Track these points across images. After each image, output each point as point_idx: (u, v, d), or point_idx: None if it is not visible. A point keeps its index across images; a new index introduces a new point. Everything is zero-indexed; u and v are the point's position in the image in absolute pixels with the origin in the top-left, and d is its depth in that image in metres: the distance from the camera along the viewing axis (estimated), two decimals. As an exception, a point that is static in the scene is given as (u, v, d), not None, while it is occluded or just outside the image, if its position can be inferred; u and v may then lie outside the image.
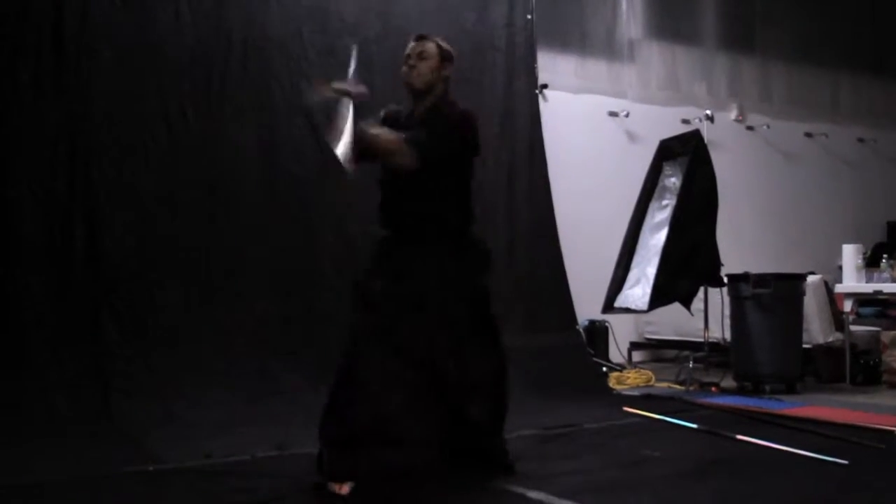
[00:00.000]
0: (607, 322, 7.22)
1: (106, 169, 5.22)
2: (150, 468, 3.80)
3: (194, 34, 5.57)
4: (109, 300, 5.10)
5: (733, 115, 9.07)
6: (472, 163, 3.73)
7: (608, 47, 8.25)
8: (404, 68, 3.63)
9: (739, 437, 4.32)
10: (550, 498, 3.26)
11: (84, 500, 3.37)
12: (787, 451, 4.00)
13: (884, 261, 6.79)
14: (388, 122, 3.66)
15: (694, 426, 4.66)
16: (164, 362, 5.05)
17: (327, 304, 5.59)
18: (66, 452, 4.08)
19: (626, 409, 5.26)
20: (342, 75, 5.81)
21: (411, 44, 3.65)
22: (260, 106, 5.73)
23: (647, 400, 5.69)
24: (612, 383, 6.39)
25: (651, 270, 6.22)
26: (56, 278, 5.05)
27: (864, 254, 6.95)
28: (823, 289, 6.84)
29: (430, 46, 3.62)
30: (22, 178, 5.05)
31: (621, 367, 6.97)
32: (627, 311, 6.44)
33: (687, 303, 6.19)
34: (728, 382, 6.24)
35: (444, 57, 3.65)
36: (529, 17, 6.99)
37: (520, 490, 3.38)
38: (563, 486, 3.40)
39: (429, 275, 3.50)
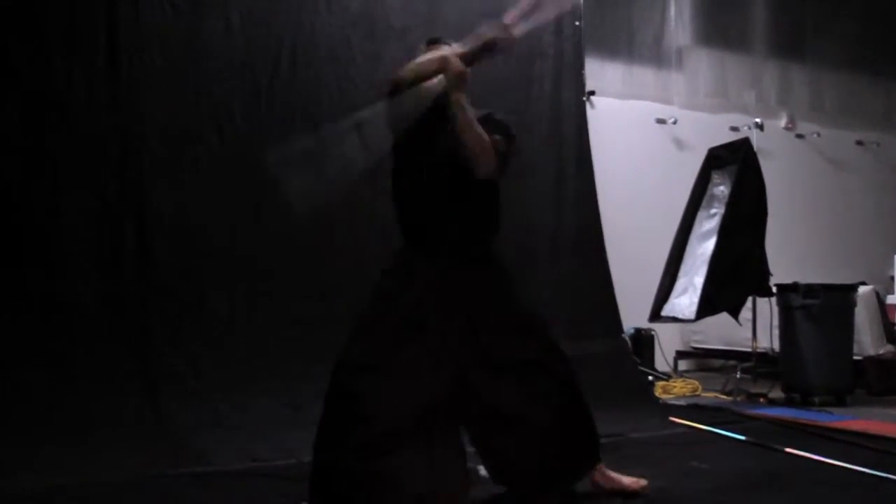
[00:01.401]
0: (653, 330, 7.17)
1: (156, 175, 5.29)
2: (198, 470, 3.84)
3: (244, 41, 5.62)
4: (158, 304, 5.17)
5: (783, 123, 8.97)
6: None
7: (656, 54, 8.20)
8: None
9: (789, 450, 4.25)
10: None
11: (132, 502, 3.41)
12: (838, 466, 3.92)
13: (937, 272, 6.67)
14: None
15: (742, 438, 4.60)
16: (211, 366, 5.10)
17: (373, 309, 5.60)
18: (114, 454, 4.12)
19: (672, 419, 5.21)
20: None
21: (422, 49, 3.36)
22: (308, 112, 5.76)
23: (694, 410, 5.63)
24: (658, 392, 6.34)
25: (699, 279, 6.16)
26: (106, 283, 5.12)
27: (917, 264, 6.84)
28: (875, 299, 6.74)
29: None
30: (73, 184, 5.13)
31: (667, 377, 6.90)
32: (675, 320, 6.39)
33: (735, 312, 6.12)
34: (776, 393, 6.15)
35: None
36: (578, 23, 6.96)
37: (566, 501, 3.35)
38: (609, 498, 3.37)
39: (480, 297, 3.20)
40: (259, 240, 5.49)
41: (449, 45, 3.27)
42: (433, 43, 3.34)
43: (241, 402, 4.92)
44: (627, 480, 3.42)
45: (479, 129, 3.08)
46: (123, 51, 5.28)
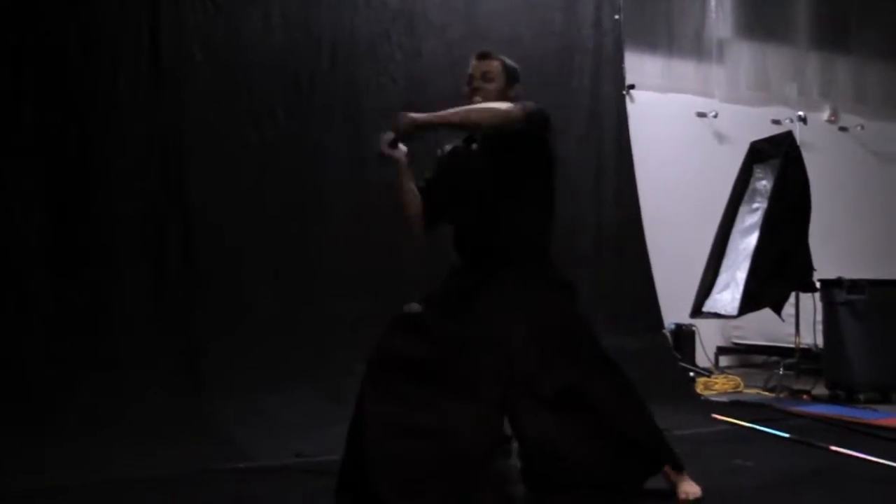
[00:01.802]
0: (694, 326, 7.12)
1: (199, 171, 5.34)
2: (242, 465, 3.87)
3: (284, 38, 5.66)
4: (202, 299, 5.23)
5: (826, 115, 8.85)
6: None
7: (696, 47, 8.13)
8: (466, 90, 3.30)
9: (834, 448, 4.20)
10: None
11: (177, 497, 3.43)
12: (883, 464, 3.87)
13: None
14: (445, 164, 3.51)
15: (786, 435, 4.55)
16: (254, 361, 5.15)
17: (415, 303, 5.62)
18: (158, 449, 4.17)
19: (714, 416, 5.18)
20: (429, 77, 5.95)
21: (473, 62, 3.31)
22: (348, 108, 5.79)
23: (736, 407, 5.58)
24: (699, 389, 6.30)
25: (741, 275, 6.12)
26: (150, 278, 5.19)
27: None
28: (921, 294, 6.63)
29: (496, 65, 3.28)
30: (118, 180, 5.19)
31: (709, 373, 6.85)
32: (716, 315, 6.35)
33: (778, 308, 6.07)
34: (820, 390, 6.08)
35: (511, 77, 3.32)
36: (617, 17, 6.92)
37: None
38: (653, 496, 3.35)
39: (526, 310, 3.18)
40: (302, 235, 5.53)
41: (500, 59, 3.35)
42: (484, 57, 3.34)
43: (284, 398, 4.96)
44: (685, 487, 3.32)
45: (470, 106, 3.16)
46: (165, 50, 5.34)
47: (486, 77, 3.27)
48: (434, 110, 5.83)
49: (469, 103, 3.22)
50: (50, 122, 5.07)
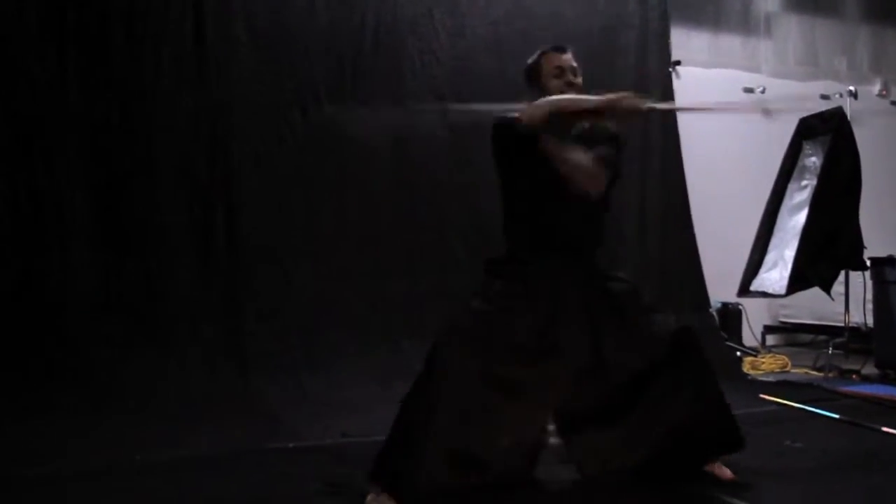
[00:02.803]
0: (741, 304, 7.05)
1: (244, 153, 5.36)
2: (291, 445, 3.91)
3: (328, 18, 5.64)
4: (247, 281, 5.26)
5: (877, 89, 8.67)
6: None
7: (743, 21, 8.00)
8: (557, 83, 3.18)
9: (886, 429, 4.14)
10: (691, 487, 3.21)
11: (230, 475, 3.47)
12: (939, 446, 3.83)
13: None
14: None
15: (836, 416, 4.49)
16: (299, 342, 5.19)
17: (458, 285, 5.58)
18: (206, 428, 4.21)
19: (762, 396, 5.12)
20: (472, 56, 5.92)
21: (563, 55, 3.24)
22: (391, 88, 5.77)
23: (784, 387, 5.53)
24: (746, 368, 6.24)
25: (789, 253, 6.04)
26: (196, 260, 5.22)
27: None
28: (975, 272, 6.50)
29: (577, 62, 3.27)
30: (164, 163, 5.22)
31: (755, 352, 6.79)
32: (764, 294, 6.27)
33: (827, 287, 5.98)
34: (869, 370, 5.99)
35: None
36: (662, -8, 6.82)
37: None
38: (703, 478, 3.32)
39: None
40: (345, 216, 5.54)
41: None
42: (559, 50, 3.27)
43: (330, 378, 5.00)
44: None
45: (576, 157, 3.05)
46: (209, 30, 5.34)
47: (575, 73, 3.22)
48: (476, 90, 5.86)
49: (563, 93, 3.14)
50: (94, 103, 5.09)
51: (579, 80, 3.22)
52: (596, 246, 3.33)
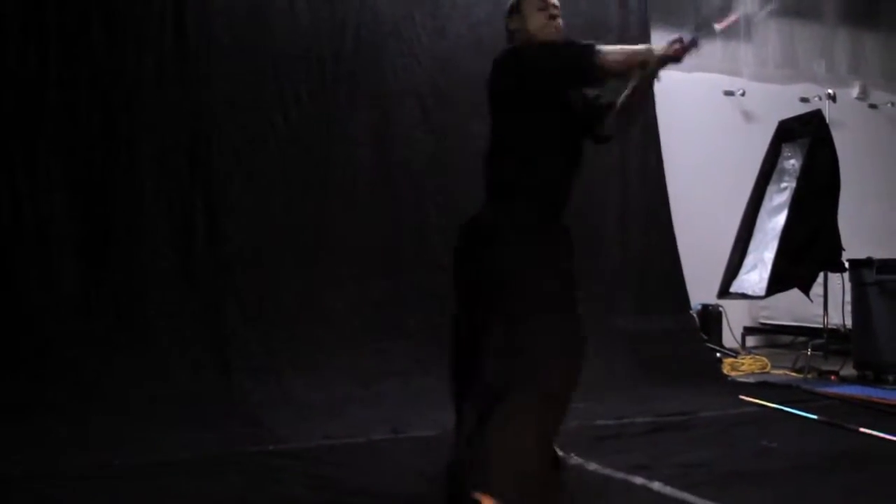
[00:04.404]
0: (721, 306, 7.09)
1: (225, 154, 5.34)
2: (271, 448, 3.90)
3: (309, 18, 5.63)
4: (230, 282, 5.24)
5: (855, 92, 8.74)
6: None
7: (724, 24, 8.03)
8: (541, 15, 3.13)
9: (862, 429, 4.19)
10: (668, 489, 3.21)
11: (211, 478, 3.46)
12: (914, 446, 3.86)
13: None
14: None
15: (814, 417, 4.54)
16: (282, 343, 5.17)
17: (439, 285, 5.60)
18: (188, 431, 4.19)
19: (742, 397, 5.16)
20: (453, 57, 5.93)
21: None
22: (373, 89, 5.77)
23: (764, 388, 5.57)
24: (726, 370, 6.27)
25: (769, 255, 6.07)
26: (179, 260, 5.20)
27: None
28: (952, 274, 6.56)
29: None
30: (145, 164, 5.20)
31: (735, 353, 6.83)
32: (744, 296, 6.31)
33: (806, 289, 6.02)
34: (848, 371, 6.04)
35: None
36: (645, -10, 6.85)
37: (638, 481, 3.34)
38: (681, 478, 3.34)
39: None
40: (328, 217, 5.53)
41: None
42: None
43: (313, 380, 4.97)
44: None
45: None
46: (190, 31, 5.33)
47: (557, 7, 3.17)
48: (459, 91, 5.87)
49: (550, 32, 3.12)
50: (74, 103, 5.08)
51: (561, 21, 3.17)
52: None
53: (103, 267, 5.06)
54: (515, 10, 3.20)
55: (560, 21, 3.16)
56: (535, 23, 3.12)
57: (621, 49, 2.99)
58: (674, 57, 2.98)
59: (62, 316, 4.92)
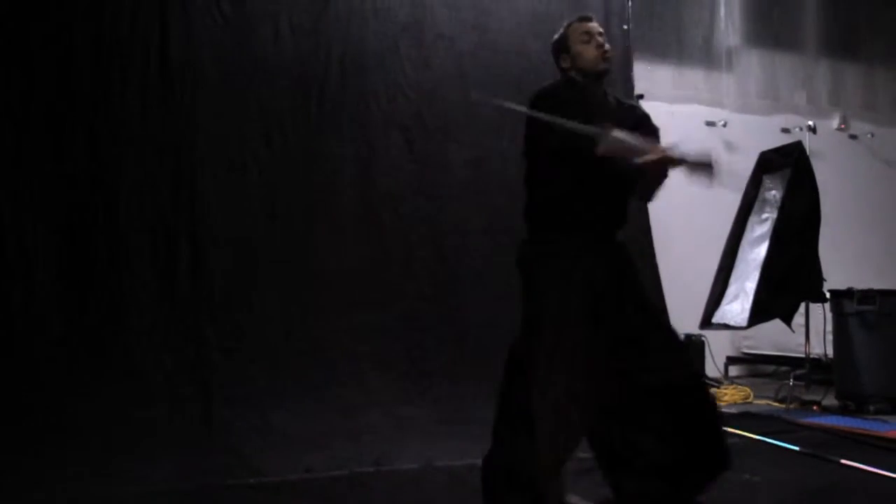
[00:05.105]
0: (703, 336, 7.09)
1: (209, 184, 5.37)
2: (251, 481, 3.87)
3: (294, 51, 5.69)
4: (211, 312, 5.24)
5: (836, 123, 8.82)
6: None
7: (706, 56, 8.13)
8: (587, 47, 3.16)
9: (844, 461, 4.19)
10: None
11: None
12: (895, 479, 3.86)
13: None
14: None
15: (796, 448, 4.54)
16: (263, 374, 5.17)
17: (423, 316, 5.65)
18: (168, 463, 4.16)
19: (724, 428, 5.15)
20: (438, 89, 5.97)
21: (589, 23, 3.22)
22: (357, 120, 5.81)
23: (746, 418, 5.56)
24: (709, 400, 6.26)
25: (750, 285, 6.11)
26: (160, 290, 5.21)
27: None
28: (932, 304, 6.60)
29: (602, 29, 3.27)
30: (129, 193, 5.21)
31: (718, 383, 6.83)
32: (726, 327, 6.33)
33: (788, 319, 6.05)
34: (830, 401, 6.05)
35: None
36: (626, 27, 6.93)
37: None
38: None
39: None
40: (311, 248, 5.54)
41: None
42: (584, 19, 3.24)
43: (294, 411, 4.96)
44: None
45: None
46: (175, 61, 5.38)
47: (603, 37, 3.21)
48: (442, 122, 5.91)
49: (599, 61, 3.15)
50: (58, 132, 5.10)
51: (608, 45, 3.20)
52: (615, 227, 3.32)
53: (85, 296, 5.05)
54: (563, 49, 3.23)
55: (607, 45, 3.19)
56: (587, 58, 3.16)
57: (627, 144, 2.95)
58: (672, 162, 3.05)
59: (43, 344, 4.91)
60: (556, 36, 3.26)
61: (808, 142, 7.41)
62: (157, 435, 4.60)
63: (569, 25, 3.25)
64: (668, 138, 7.47)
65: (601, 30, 3.21)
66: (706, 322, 6.41)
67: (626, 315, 3.11)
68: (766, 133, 7.84)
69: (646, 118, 3.34)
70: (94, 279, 5.10)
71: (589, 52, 3.15)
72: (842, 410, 5.86)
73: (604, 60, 3.16)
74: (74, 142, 5.15)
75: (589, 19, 3.26)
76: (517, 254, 3.22)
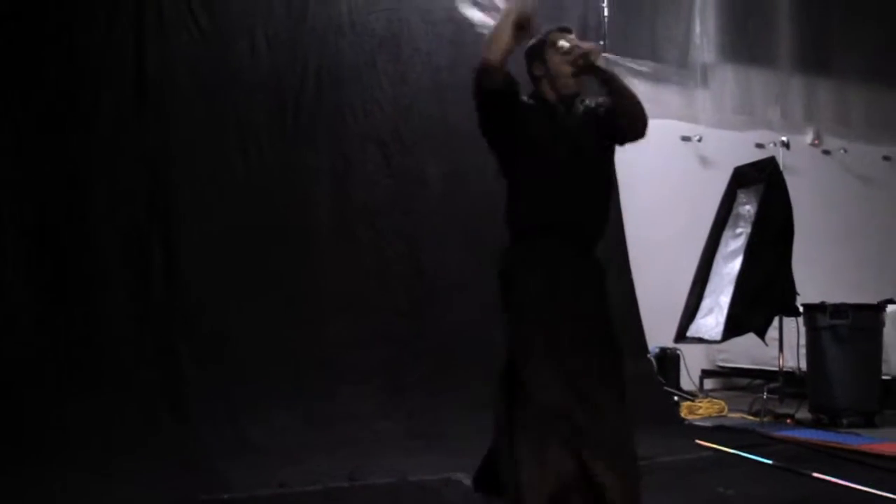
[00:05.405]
0: (678, 349, 7.13)
1: (183, 196, 5.34)
2: (225, 496, 3.85)
3: (270, 64, 5.68)
4: (186, 325, 5.20)
5: (809, 138, 8.92)
6: None
7: (681, 71, 8.20)
8: (565, 66, 3.12)
9: (816, 475, 4.22)
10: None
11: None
12: (866, 492, 3.88)
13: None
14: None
15: (769, 462, 4.57)
16: (237, 388, 5.12)
17: (398, 329, 5.64)
18: (141, 478, 4.13)
19: (699, 442, 5.18)
20: (415, 103, 5.98)
21: (568, 35, 3.19)
22: (334, 134, 5.80)
23: (720, 432, 5.60)
24: (683, 413, 6.30)
25: (725, 300, 6.14)
26: (133, 303, 5.17)
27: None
28: (903, 318, 6.67)
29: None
30: (103, 205, 5.18)
31: (693, 396, 6.87)
32: (700, 340, 6.36)
33: (761, 333, 6.08)
34: (803, 414, 6.09)
35: None
36: (602, 42, 6.96)
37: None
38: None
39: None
40: (285, 262, 5.52)
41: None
42: (564, 30, 3.22)
43: (268, 425, 4.94)
44: None
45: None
46: (150, 74, 5.35)
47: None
48: (420, 137, 5.94)
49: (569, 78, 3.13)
50: (33, 144, 5.05)
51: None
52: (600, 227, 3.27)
53: (57, 309, 5.00)
54: (538, 58, 3.20)
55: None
56: (560, 70, 3.13)
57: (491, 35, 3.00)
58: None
59: (14, 360, 4.84)
60: (531, 41, 3.20)
61: (782, 157, 7.50)
62: (128, 450, 4.54)
63: (547, 34, 3.20)
64: (643, 153, 7.52)
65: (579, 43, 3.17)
66: (681, 336, 6.44)
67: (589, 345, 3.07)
68: (740, 148, 7.93)
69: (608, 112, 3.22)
70: (67, 289, 5.05)
71: (565, 65, 3.12)
72: (815, 424, 5.91)
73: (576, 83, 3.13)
74: (47, 155, 5.10)
75: (568, 31, 3.22)
76: (497, 263, 3.20)
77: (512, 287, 3.11)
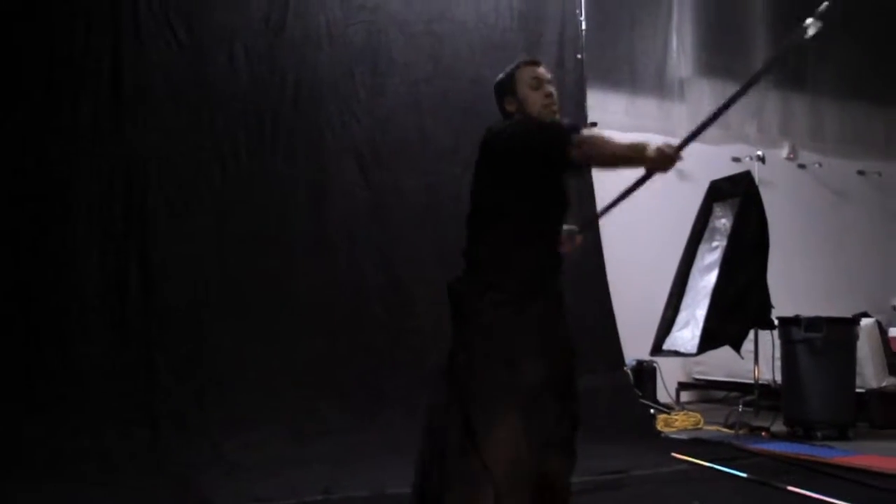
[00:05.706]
0: (655, 362, 7.15)
1: (160, 208, 5.33)
2: (201, 511, 3.85)
3: (248, 75, 5.68)
4: (161, 338, 5.18)
5: (785, 153, 8.99)
6: None
7: (658, 85, 8.26)
8: (535, 94, 3.02)
9: (790, 488, 4.24)
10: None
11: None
12: (839, 506, 3.92)
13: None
14: None
15: (743, 475, 4.59)
16: (213, 402, 5.11)
17: (376, 344, 5.63)
18: (117, 491, 4.12)
19: (674, 454, 5.20)
20: (392, 116, 5.98)
21: (538, 68, 3.07)
22: (311, 146, 5.80)
23: (696, 445, 5.62)
24: (659, 425, 6.32)
25: (700, 313, 6.17)
26: (110, 315, 5.15)
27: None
28: (877, 332, 6.73)
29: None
30: (79, 216, 5.16)
31: (669, 409, 6.89)
32: (676, 353, 6.38)
33: (737, 346, 6.12)
34: (778, 427, 6.13)
35: None
36: (579, 56, 6.99)
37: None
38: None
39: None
40: (263, 274, 5.51)
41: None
42: (534, 63, 3.10)
43: (244, 439, 4.92)
44: None
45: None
46: (128, 85, 5.35)
47: (552, 84, 3.07)
48: (396, 149, 5.94)
49: (548, 111, 3.03)
50: (8, 152, 5.03)
51: (555, 93, 3.07)
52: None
53: (32, 321, 4.97)
54: (509, 92, 3.07)
55: (555, 94, 3.06)
56: (534, 104, 3.02)
57: (614, 143, 2.87)
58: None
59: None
60: (501, 76, 3.11)
61: (758, 171, 7.56)
62: (102, 462, 4.53)
63: (517, 67, 3.10)
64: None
65: (550, 76, 3.08)
66: (657, 349, 6.47)
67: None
68: (716, 162, 7.95)
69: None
70: (42, 301, 5.02)
71: (536, 99, 3.01)
72: (790, 436, 5.95)
73: (550, 111, 3.03)
74: (24, 163, 5.09)
75: (538, 64, 3.11)
76: (454, 291, 3.10)
77: (482, 324, 2.99)
